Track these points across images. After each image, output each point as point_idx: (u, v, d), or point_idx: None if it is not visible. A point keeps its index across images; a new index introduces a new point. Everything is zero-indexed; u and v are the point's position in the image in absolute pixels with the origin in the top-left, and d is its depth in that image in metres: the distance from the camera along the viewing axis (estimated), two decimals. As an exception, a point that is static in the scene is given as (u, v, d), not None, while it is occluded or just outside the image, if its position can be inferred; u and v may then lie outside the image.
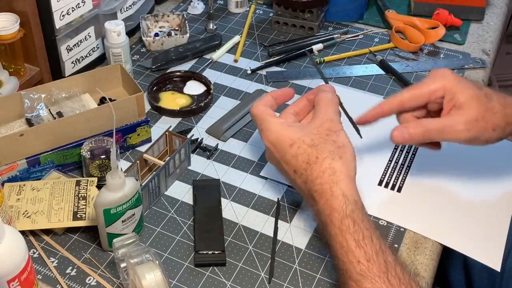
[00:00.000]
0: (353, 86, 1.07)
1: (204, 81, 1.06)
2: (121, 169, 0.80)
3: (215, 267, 0.76)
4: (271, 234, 0.81)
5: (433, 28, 1.17)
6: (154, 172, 0.87)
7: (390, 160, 0.92)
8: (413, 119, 0.81)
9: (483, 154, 0.93)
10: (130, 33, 1.14)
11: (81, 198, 0.81)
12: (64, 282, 0.74)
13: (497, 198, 0.86)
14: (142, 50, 1.16)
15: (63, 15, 0.97)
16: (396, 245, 0.79)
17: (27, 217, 0.79)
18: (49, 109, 0.90)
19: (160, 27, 1.20)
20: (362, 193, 0.86)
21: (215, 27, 1.22)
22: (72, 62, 1.04)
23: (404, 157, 0.92)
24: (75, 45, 1.03)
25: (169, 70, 1.10)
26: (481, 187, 0.87)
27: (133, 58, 1.13)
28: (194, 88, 1.06)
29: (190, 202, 0.85)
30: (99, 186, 0.83)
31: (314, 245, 0.79)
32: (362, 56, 1.15)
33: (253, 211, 0.84)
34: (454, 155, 0.93)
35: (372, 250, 0.65)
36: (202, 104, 1.01)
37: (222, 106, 1.02)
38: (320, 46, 1.16)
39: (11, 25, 0.92)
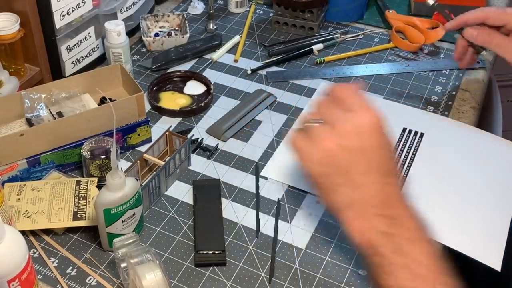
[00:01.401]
0: (353, 86, 1.07)
1: (204, 81, 1.06)
2: (121, 169, 0.80)
3: (215, 267, 0.76)
4: (271, 234, 0.81)
5: (433, 28, 1.17)
6: (154, 172, 0.88)
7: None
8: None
9: (483, 155, 0.93)
10: (130, 33, 1.14)
11: (81, 198, 0.81)
12: (64, 282, 0.74)
13: (497, 197, 0.86)
14: (142, 50, 1.16)
15: (63, 15, 0.97)
16: (396, 245, 0.79)
17: (27, 217, 0.79)
18: (49, 109, 0.90)
19: (160, 27, 1.20)
20: None
21: (215, 27, 1.22)
22: (72, 62, 1.04)
23: (404, 157, 0.92)
24: (75, 45, 1.03)
25: (169, 70, 1.10)
26: (481, 187, 0.87)
27: (133, 58, 1.13)
28: (194, 88, 1.06)
29: (190, 202, 0.85)
30: (99, 186, 0.83)
31: (314, 245, 0.80)
32: (362, 56, 1.15)
33: (253, 211, 0.84)
34: (454, 155, 0.93)
35: None
36: (202, 104, 1.01)
37: (222, 106, 1.02)
38: (320, 46, 1.16)
39: (11, 25, 0.92)
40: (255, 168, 0.90)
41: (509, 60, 0.98)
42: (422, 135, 0.96)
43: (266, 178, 0.89)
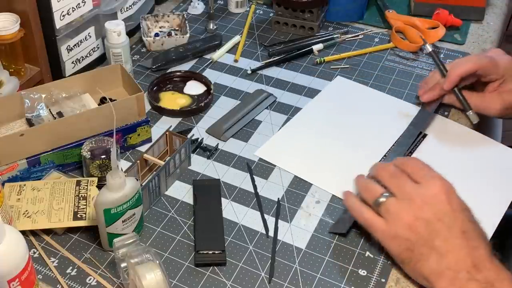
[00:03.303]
0: (356, 81, 1.08)
1: (204, 81, 1.06)
2: (122, 169, 0.80)
3: (215, 267, 0.76)
4: (271, 234, 0.81)
5: (433, 28, 1.17)
6: (154, 172, 0.88)
7: (384, 158, 0.91)
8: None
9: (480, 159, 0.92)
10: (130, 33, 1.14)
11: (81, 198, 0.81)
12: (65, 282, 0.74)
13: (487, 202, 0.85)
14: (142, 50, 1.16)
15: (63, 15, 0.97)
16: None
17: (28, 217, 0.79)
18: (49, 109, 0.90)
19: (160, 27, 1.20)
20: (345, 183, 0.85)
21: (215, 27, 1.22)
22: (72, 62, 1.04)
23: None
24: (75, 45, 1.03)
25: (169, 70, 1.10)
26: (473, 188, 0.87)
27: (133, 58, 1.13)
28: (194, 88, 1.06)
29: (190, 202, 0.85)
30: (99, 186, 0.83)
31: (314, 245, 0.80)
32: (362, 56, 1.15)
33: (253, 211, 0.84)
34: (450, 157, 0.93)
35: None
36: (202, 104, 1.01)
37: (222, 106, 1.02)
38: (320, 46, 1.16)
39: (11, 25, 0.92)
40: (248, 169, 0.90)
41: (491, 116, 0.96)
42: (425, 136, 0.96)
43: (266, 178, 0.89)
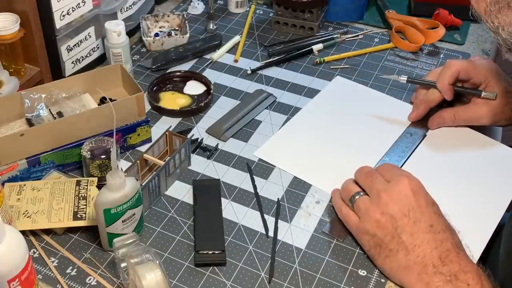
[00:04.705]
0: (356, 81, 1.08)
1: (204, 81, 1.06)
2: (121, 169, 0.80)
3: (215, 267, 0.77)
4: (271, 234, 0.81)
5: (433, 28, 1.17)
6: (154, 172, 0.88)
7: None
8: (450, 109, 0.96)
9: (477, 160, 0.92)
10: (130, 33, 1.14)
11: (81, 198, 0.81)
12: (65, 282, 0.74)
13: (487, 202, 0.85)
14: (142, 50, 1.16)
15: (63, 15, 0.97)
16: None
17: (28, 217, 0.79)
18: (49, 109, 0.90)
19: (160, 27, 1.20)
20: (338, 185, 0.85)
21: (215, 27, 1.22)
22: (72, 62, 1.04)
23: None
24: (75, 45, 1.03)
25: (169, 70, 1.10)
26: (469, 193, 0.87)
27: (133, 58, 1.13)
28: (194, 88, 1.06)
29: (190, 202, 0.85)
30: (99, 186, 0.83)
31: (314, 245, 0.80)
32: (362, 56, 1.15)
33: (253, 211, 0.84)
34: (450, 159, 0.92)
35: None
36: (202, 104, 1.01)
37: (222, 106, 1.02)
38: (320, 46, 1.16)
39: (11, 25, 0.92)
40: (248, 169, 0.90)
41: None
42: (424, 135, 0.96)
43: (266, 178, 0.89)
